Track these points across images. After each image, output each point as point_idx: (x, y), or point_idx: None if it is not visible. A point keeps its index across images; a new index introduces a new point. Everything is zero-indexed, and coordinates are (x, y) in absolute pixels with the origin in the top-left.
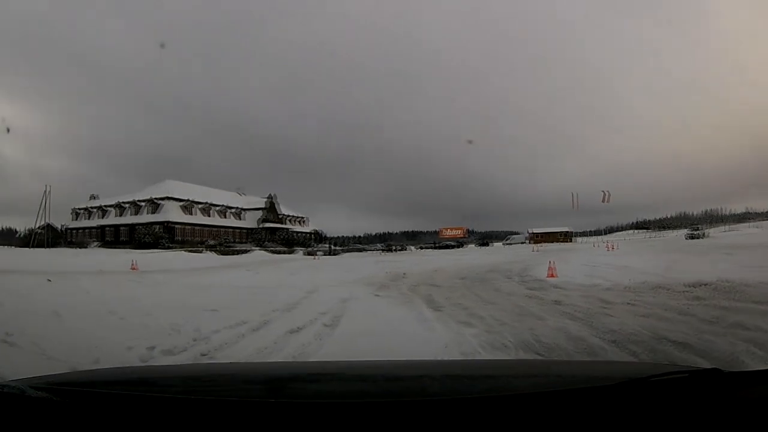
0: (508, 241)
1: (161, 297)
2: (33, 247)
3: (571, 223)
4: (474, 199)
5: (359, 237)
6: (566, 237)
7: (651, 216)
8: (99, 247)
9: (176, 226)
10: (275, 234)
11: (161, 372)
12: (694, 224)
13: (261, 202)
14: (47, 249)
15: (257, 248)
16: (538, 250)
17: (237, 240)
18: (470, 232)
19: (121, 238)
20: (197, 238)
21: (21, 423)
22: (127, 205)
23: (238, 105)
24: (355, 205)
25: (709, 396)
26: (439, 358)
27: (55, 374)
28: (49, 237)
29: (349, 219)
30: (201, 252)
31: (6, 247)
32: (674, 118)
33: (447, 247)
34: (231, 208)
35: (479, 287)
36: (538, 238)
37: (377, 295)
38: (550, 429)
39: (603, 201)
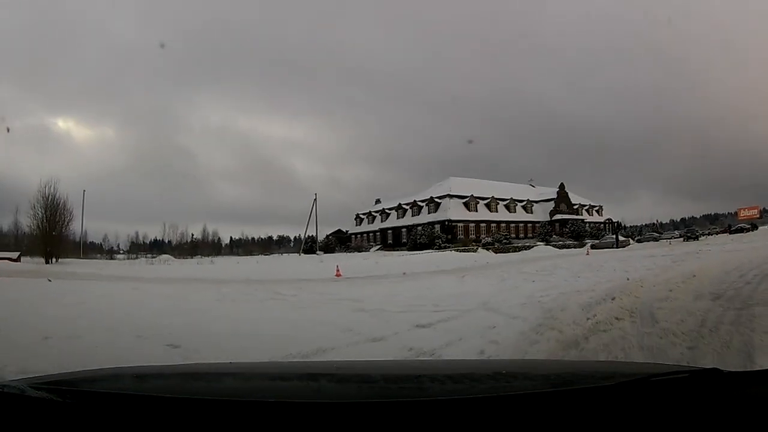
0: None
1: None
2: (303, 253)
3: None
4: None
5: (660, 224)
6: None
7: None
8: (379, 249)
9: (457, 224)
10: (565, 226)
11: (161, 372)
12: None
13: (552, 193)
14: (307, 255)
15: (541, 243)
16: None
17: (524, 235)
18: (764, 212)
19: (402, 240)
20: (482, 236)
21: (21, 423)
22: (407, 207)
23: (526, 94)
24: (655, 190)
25: (709, 396)
26: (438, 358)
27: (55, 374)
28: (317, 244)
29: (649, 205)
30: (474, 251)
31: (279, 255)
32: None
33: (740, 230)
34: (519, 201)
35: (722, 331)
36: None
37: None
38: (550, 429)
39: None
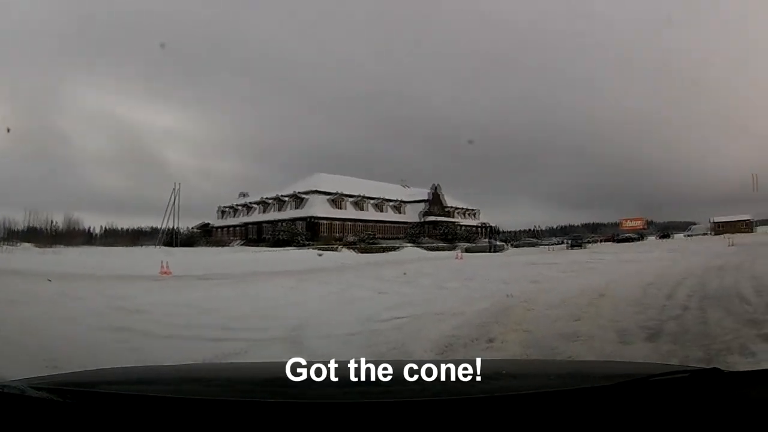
0: (689, 232)
1: None
2: (161, 246)
3: (750, 210)
4: (652, 187)
5: (539, 230)
6: (747, 226)
7: None
8: (242, 245)
9: (321, 221)
10: (437, 228)
11: (161, 372)
12: None
13: (425, 194)
14: (166, 248)
15: (409, 244)
16: (734, 244)
17: (394, 236)
18: (649, 224)
19: (264, 236)
20: (348, 235)
21: (21, 423)
22: (270, 201)
23: (409, 95)
24: (535, 197)
25: (709, 396)
26: (439, 358)
27: (55, 374)
28: (176, 236)
29: (528, 211)
30: (336, 250)
31: (140, 247)
32: None
33: (627, 240)
34: (389, 200)
35: None
36: (719, 228)
37: None
38: (550, 429)
39: None
